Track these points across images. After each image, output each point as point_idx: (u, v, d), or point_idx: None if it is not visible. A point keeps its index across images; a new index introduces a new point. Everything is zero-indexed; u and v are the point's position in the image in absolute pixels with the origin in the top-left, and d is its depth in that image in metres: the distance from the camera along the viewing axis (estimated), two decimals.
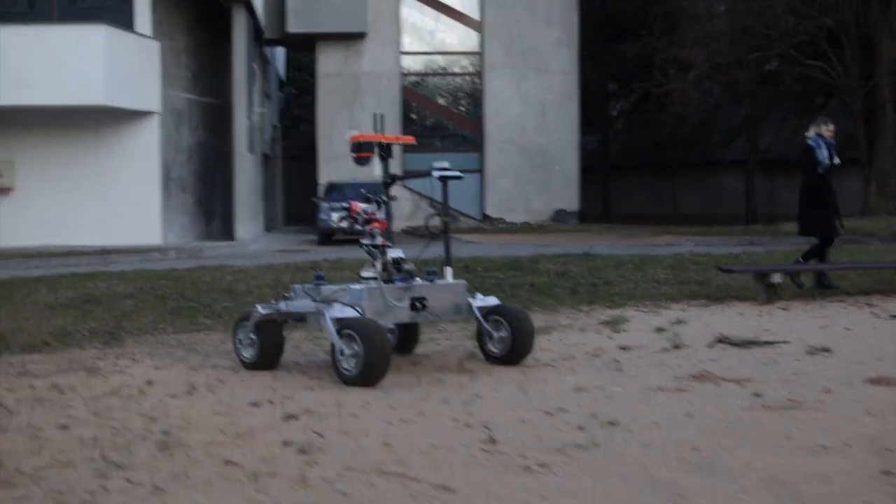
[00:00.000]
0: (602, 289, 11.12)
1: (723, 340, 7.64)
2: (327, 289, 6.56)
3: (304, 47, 38.18)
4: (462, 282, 7.00)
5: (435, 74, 35.21)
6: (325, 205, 25.26)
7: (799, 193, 11.56)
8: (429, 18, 34.44)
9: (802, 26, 28.03)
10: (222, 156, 26.70)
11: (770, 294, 10.28)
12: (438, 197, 7.23)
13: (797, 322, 8.85)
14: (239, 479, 4.09)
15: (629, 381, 6.16)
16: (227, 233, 25.86)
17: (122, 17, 23.19)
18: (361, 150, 7.00)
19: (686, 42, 30.38)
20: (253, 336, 6.78)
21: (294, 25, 32.37)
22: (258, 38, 31.21)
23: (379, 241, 6.73)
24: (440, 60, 35.11)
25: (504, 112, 33.79)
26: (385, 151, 7.10)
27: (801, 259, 11.56)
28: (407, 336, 7.34)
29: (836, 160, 11.19)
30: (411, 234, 25.63)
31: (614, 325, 8.63)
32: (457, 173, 7.15)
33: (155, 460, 4.41)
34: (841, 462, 4.27)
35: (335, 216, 7.01)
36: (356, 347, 5.99)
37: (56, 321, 9.07)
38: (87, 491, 3.94)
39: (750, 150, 36.35)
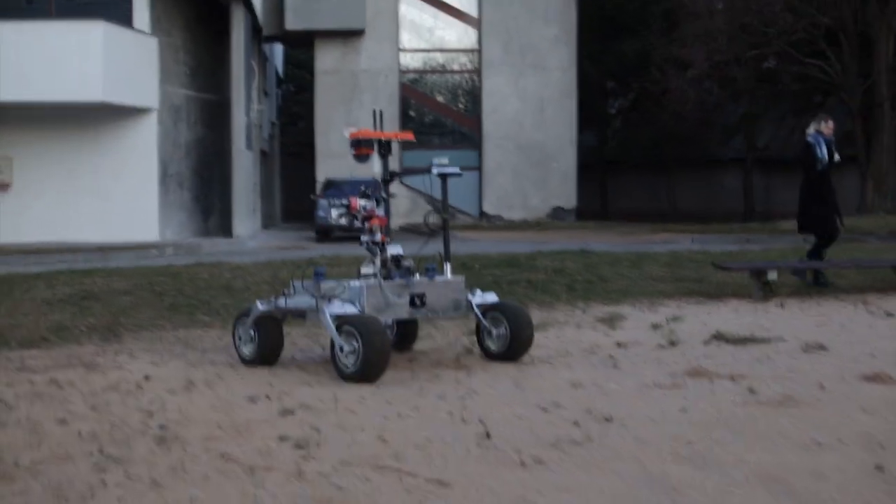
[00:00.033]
0: (599, 286, 11.15)
1: (718, 337, 7.68)
2: (327, 285, 6.58)
3: (302, 44, 38.16)
4: (461, 278, 7.01)
5: (433, 72, 35.21)
6: (322, 202, 25.30)
7: (799, 191, 11.58)
8: (427, 16, 34.44)
9: (800, 24, 28.07)
10: (220, 152, 26.70)
11: (766, 291, 10.32)
12: (437, 194, 7.25)
13: (793, 319, 8.89)
14: (236, 473, 4.12)
15: (625, 378, 6.19)
16: (225, 229, 25.87)
17: (120, 13, 23.18)
18: (361, 147, 7.02)
19: (685, 40, 30.41)
20: (252, 332, 6.81)
21: (292, 22, 32.36)
22: (256, 35, 31.20)
23: (378, 237, 6.75)
24: (438, 57, 35.11)
25: (502, 109, 33.80)
26: (384, 148, 7.12)
27: (805, 258, 11.55)
28: (405, 332, 7.36)
29: (837, 157, 11.22)
30: (409, 231, 25.67)
31: (610, 321, 8.67)
32: (456, 170, 7.17)
33: (153, 455, 4.44)
34: (834, 458, 4.30)
35: (334, 212, 7.01)
36: (355, 344, 6.01)
37: (54, 317, 9.10)
38: (85, 485, 3.97)
39: (748, 148, 36.40)
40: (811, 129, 11.36)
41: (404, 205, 30.85)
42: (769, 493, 3.82)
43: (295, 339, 7.83)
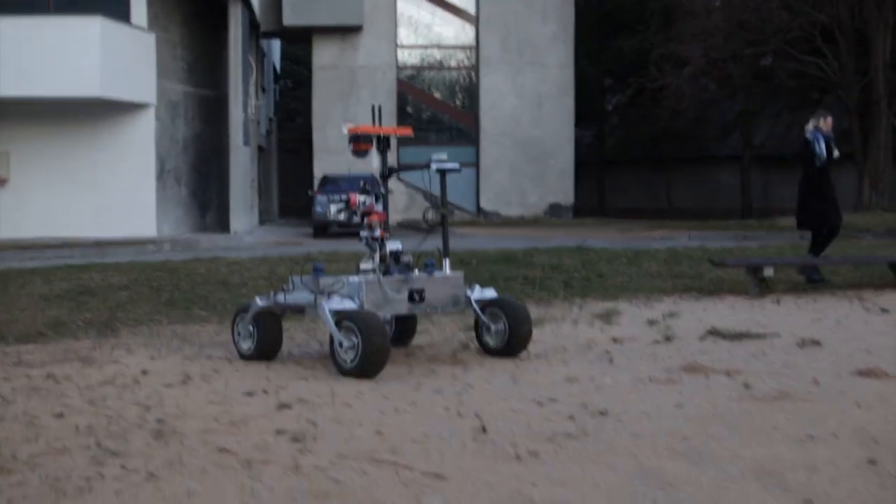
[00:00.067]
0: (595, 282, 11.17)
1: (714, 333, 7.70)
2: (326, 281, 6.58)
3: (300, 40, 38.17)
4: (460, 274, 7.03)
5: (431, 68, 35.21)
6: (320, 197, 25.31)
7: (798, 187, 11.58)
8: (425, 12, 34.44)
9: (797, 22, 28.11)
10: (217, 148, 26.71)
11: (762, 288, 10.34)
12: (433, 189, 7.26)
13: (788, 315, 8.91)
14: (233, 467, 4.14)
15: (620, 373, 6.22)
16: (222, 225, 25.88)
17: (117, 8, 23.15)
18: (359, 143, 7.03)
19: (682, 37, 30.42)
20: (251, 328, 6.81)
21: (290, 18, 32.35)
22: (254, 31, 31.20)
23: (378, 233, 6.76)
24: (436, 54, 35.12)
25: (499, 106, 33.82)
26: (383, 143, 7.13)
27: (810, 255, 11.56)
28: (404, 328, 7.37)
29: (836, 153, 11.23)
30: (406, 227, 25.69)
31: (607, 317, 8.69)
32: (455, 166, 7.18)
33: (150, 448, 4.46)
34: (827, 451, 4.33)
35: (333, 208, 7.01)
36: (355, 339, 6.01)
37: (51, 312, 9.13)
38: (82, 477, 3.99)
39: (745, 145, 36.45)
40: (810, 126, 11.37)
41: (402, 201, 30.87)
42: (763, 487, 3.84)
43: (292, 335, 7.84)
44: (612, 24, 38.31)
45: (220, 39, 26.21)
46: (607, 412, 5.06)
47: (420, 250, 7.02)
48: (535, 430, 4.72)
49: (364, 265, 6.71)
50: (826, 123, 11.32)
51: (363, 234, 6.77)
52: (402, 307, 6.61)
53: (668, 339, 7.55)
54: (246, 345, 6.85)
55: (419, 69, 35.08)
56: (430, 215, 7.31)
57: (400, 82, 34.22)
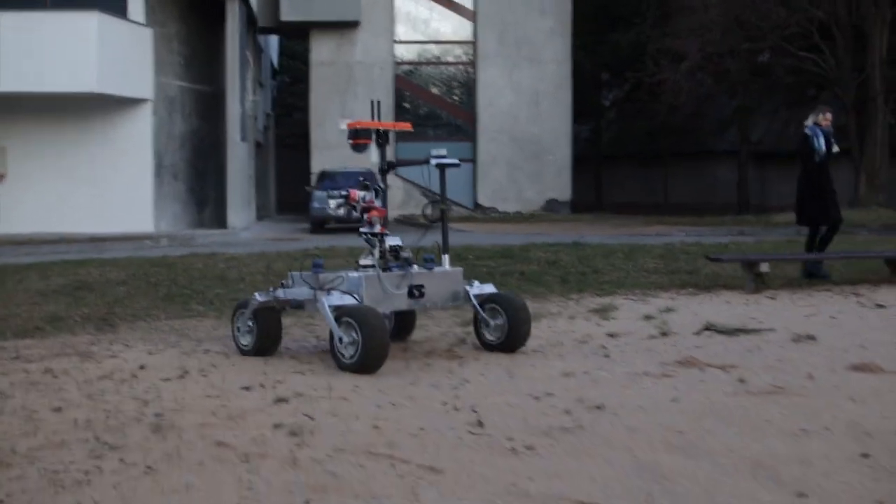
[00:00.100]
0: (592, 277, 11.20)
1: (709, 328, 7.73)
2: (325, 276, 6.59)
3: (297, 35, 38.17)
4: (459, 269, 7.04)
5: (428, 63, 35.22)
6: (318, 193, 25.32)
7: (797, 183, 11.59)
8: (422, 8, 34.45)
9: (794, 18, 28.12)
10: (215, 144, 26.71)
11: (758, 283, 10.37)
12: (432, 185, 7.26)
13: (784, 311, 8.94)
14: (230, 460, 4.17)
15: (616, 367, 6.24)
16: (220, 221, 25.88)
17: (114, 3, 23.14)
18: (359, 137, 7.04)
19: (679, 32, 30.43)
20: (251, 323, 6.82)
21: (288, 13, 32.35)
22: (251, 26, 31.18)
23: (377, 228, 6.77)
24: (433, 49, 35.13)
25: (497, 101, 33.84)
26: (382, 138, 7.14)
27: (817, 250, 11.58)
28: (403, 323, 7.39)
29: (835, 148, 11.26)
30: (403, 222, 25.71)
31: (603, 312, 8.72)
32: (454, 161, 7.19)
33: (148, 442, 4.48)
34: (821, 445, 4.36)
35: (333, 203, 6.99)
36: (354, 335, 6.03)
37: (48, 307, 9.15)
38: (81, 471, 4.01)
39: (742, 141, 36.47)
40: (809, 121, 11.39)
41: (399, 196, 30.90)
42: (757, 480, 3.88)
43: (289, 330, 7.86)
44: (608, 17, 38.30)
45: (218, 35, 26.19)
46: (603, 406, 5.09)
47: (419, 246, 7.04)
48: (532, 424, 4.75)
49: (364, 261, 6.72)
50: (825, 119, 11.35)
51: (363, 230, 6.78)
52: (402, 303, 6.62)
53: (663, 334, 7.58)
54: (245, 340, 6.86)
55: (417, 65, 35.08)
56: (430, 211, 7.32)
57: (397, 78, 34.23)
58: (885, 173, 28.44)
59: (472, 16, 34.11)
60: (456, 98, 35.45)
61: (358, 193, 6.86)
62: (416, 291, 6.60)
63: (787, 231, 20.53)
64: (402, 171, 30.26)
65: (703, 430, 4.61)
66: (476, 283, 7.04)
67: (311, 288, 6.55)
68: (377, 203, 6.88)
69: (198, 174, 26.70)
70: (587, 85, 39.65)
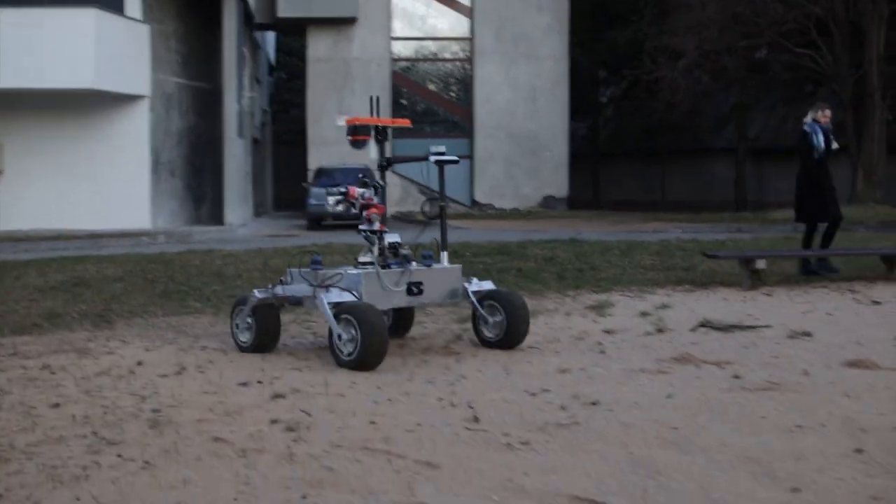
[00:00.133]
0: (588, 274, 11.22)
1: (705, 324, 7.75)
2: (324, 273, 6.60)
3: (294, 32, 38.14)
4: (458, 266, 7.06)
5: (425, 60, 35.21)
6: (315, 189, 25.33)
7: (796, 180, 11.60)
8: (419, 4, 34.43)
9: (791, 14, 28.12)
10: (212, 140, 26.70)
11: (754, 280, 10.39)
12: (431, 182, 7.26)
13: (780, 307, 8.96)
14: (228, 455, 4.19)
15: (612, 364, 6.27)
16: (217, 217, 25.89)
17: (112, 0, 23.14)
18: (358, 134, 7.04)
19: (676, 30, 30.43)
20: (250, 320, 6.83)
21: (285, 10, 32.32)
22: (249, 23, 31.18)
23: (377, 226, 6.78)
24: (431, 46, 35.11)
25: (494, 98, 33.84)
26: (381, 135, 7.15)
27: (820, 247, 11.60)
28: (401, 319, 7.40)
29: (835, 145, 11.28)
30: (400, 219, 25.72)
31: (600, 309, 8.74)
32: (453, 158, 7.20)
33: (146, 437, 4.50)
34: (815, 441, 4.38)
35: (332, 200, 6.99)
36: (353, 332, 6.04)
37: (46, 304, 9.16)
38: (79, 466, 4.04)
39: (739, 138, 36.50)
40: (808, 118, 11.40)
41: (395, 193, 30.90)
42: (751, 475, 3.90)
43: (286, 326, 7.87)
44: (606, 14, 38.30)
45: (215, 31, 26.18)
46: (598, 402, 5.12)
47: (418, 242, 7.05)
48: (527, 420, 4.77)
49: (363, 258, 6.73)
50: (824, 116, 11.36)
51: (362, 227, 6.79)
52: (401, 300, 6.63)
53: (659, 330, 7.61)
54: (244, 337, 6.87)
55: (414, 61, 35.07)
56: (429, 208, 7.32)
57: (394, 74, 34.22)
58: (882, 170, 28.46)
59: (469, 12, 34.10)
60: (453, 94, 35.45)
61: (357, 190, 6.86)
62: (414, 288, 6.61)
63: (784, 228, 20.54)
64: (399, 167, 30.25)
65: (697, 426, 4.64)
66: (475, 280, 7.06)
67: (311, 285, 6.56)
68: (376, 200, 6.89)
69: (195, 171, 26.70)
70: (584, 82, 39.67)
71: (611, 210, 34.71)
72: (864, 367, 6.04)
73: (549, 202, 33.75)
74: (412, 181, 31.27)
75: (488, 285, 7.06)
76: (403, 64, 34.77)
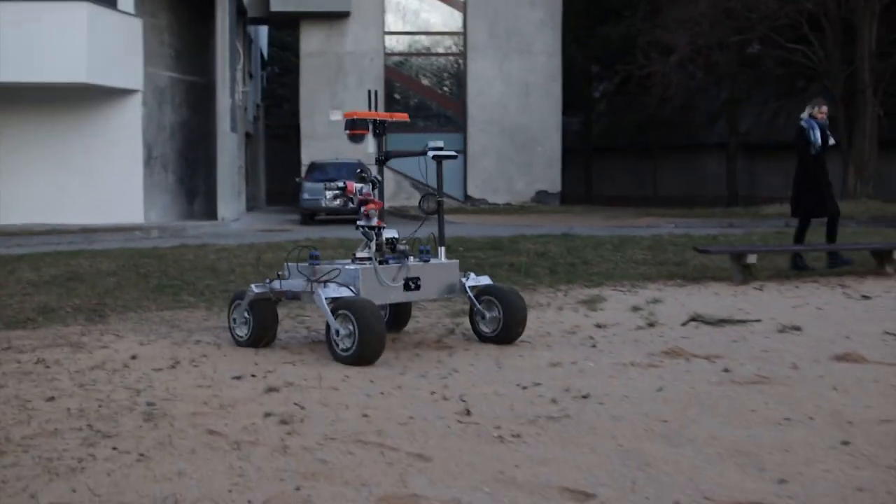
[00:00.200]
0: (580, 269, 11.27)
1: (696, 319, 7.81)
2: (322, 268, 6.61)
3: (287, 26, 38.13)
4: (455, 262, 7.09)
5: (418, 55, 35.22)
6: (308, 184, 25.36)
7: (794, 175, 11.66)
8: None
9: (784, 10, 28.19)
10: (205, 134, 26.70)
11: (745, 274, 10.45)
12: (428, 177, 7.28)
13: (771, 302, 9.03)
14: (222, 448, 4.22)
15: (603, 357, 6.32)
16: (210, 212, 25.89)
17: None
18: (356, 128, 7.07)
19: (669, 25, 30.48)
20: (247, 315, 6.84)
21: (278, 4, 32.32)
22: (241, 17, 31.15)
23: (374, 221, 6.80)
24: (424, 40, 35.13)
25: (487, 93, 33.87)
26: (379, 129, 7.18)
27: (826, 243, 11.65)
28: (398, 314, 7.43)
29: (831, 141, 11.36)
30: (394, 214, 25.75)
31: (591, 303, 8.79)
32: (452, 153, 7.23)
33: (140, 430, 4.54)
34: (803, 433, 4.43)
35: (329, 195, 6.99)
36: (351, 327, 6.06)
37: (40, 298, 9.18)
38: (74, 458, 4.07)
39: (731, 133, 36.57)
40: (805, 114, 11.48)
41: (389, 188, 30.91)
42: (739, 467, 3.95)
43: (280, 321, 7.90)
44: (599, 10, 38.34)
45: (208, 26, 26.17)
46: (589, 395, 5.16)
47: (414, 238, 7.08)
48: (519, 413, 4.81)
49: (361, 253, 6.76)
50: (821, 112, 11.44)
51: (360, 222, 6.81)
52: (398, 295, 6.66)
53: (651, 324, 7.66)
54: (241, 331, 6.88)
55: (407, 56, 35.08)
56: (426, 203, 7.35)
57: (387, 69, 34.23)
58: (873, 165, 28.56)
59: (462, 7, 34.12)
60: (446, 89, 35.47)
61: (355, 185, 6.88)
62: (412, 284, 6.64)
63: (776, 222, 20.63)
64: (391, 162, 30.26)
65: (687, 419, 4.69)
66: (472, 275, 7.09)
67: (308, 280, 6.59)
68: (374, 195, 6.91)
69: (188, 165, 26.70)
70: (577, 77, 39.70)
71: (603, 205, 34.78)
72: (852, 361, 6.10)
73: (541, 197, 33.81)
74: (405, 176, 31.31)
75: (485, 280, 7.09)
76: (396, 58, 34.78)
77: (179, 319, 8.16)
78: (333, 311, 6.17)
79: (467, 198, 33.64)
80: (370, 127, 7.10)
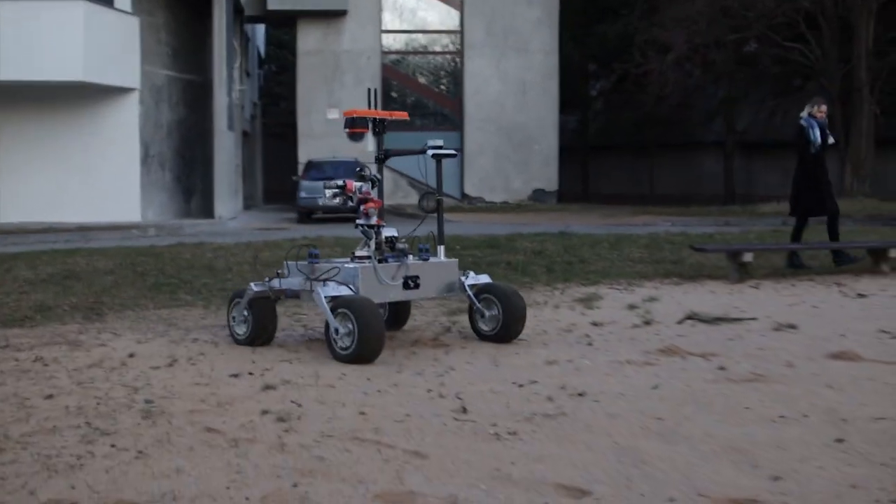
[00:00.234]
0: (577, 267, 11.29)
1: (692, 317, 7.83)
2: (321, 267, 6.62)
3: (284, 24, 38.08)
4: (454, 260, 7.10)
5: (415, 53, 35.20)
6: (304, 183, 25.38)
7: (794, 174, 11.68)
8: None
9: (781, 8, 28.21)
10: (202, 133, 26.69)
11: (742, 273, 10.48)
12: (427, 175, 7.29)
13: (767, 300, 9.05)
14: (220, 445, 4.25)
15: (599, 356, 6.34)
16: (207, 210, 25.89)
17: None
18: (356, 126, 7.08)
19: (666, 23, 30.49)
20: (246, 313, 6.86)
21: (275, 2, 32.28)
22: (238, 15, 31.13)
23: (374, 220, 6.81)
24: (420, 39, 35.11)
25: (484, 91, 33.86)
26: (379, 127, 7.19)
27: (830, 242, 11.68)
28: (397, 313, 7.44)
29: (831, 139, 11.39)
30: (391, 212, 25.75)
31: (588, 302, 8.81)
32: (451, 151, 7.24)
33: (139, 427, 4.56)
34: (798, 431, 4.46)
35: (328, 193, 6.99)
36: (350, 326, 6.07)
37: (37, 296, 9.19)
38: (73, 455, 4.09)
39: (728, 132, 36.60)
40: (804, 113, 11.51)
41: (386, 186, 30.66)
42: (734, 464, 3.97)
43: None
44: (596, 8, 38.33)
45: (205, 24, 26.15)
46: (585, 393, 5.19)
47: (413, 236, 7.09)
48: (515, 411, 4.84)
49: (360, 252, 6.77)
50: (820, 111, 11.47)
51: (360, 221, 6.81)
52: (397, 294, 6.67)
53: (647, 322, 7.68)
54: (241, 330, 6.89)
55: (404, 54, 35.07)
56: (426, 202, 7.36)
57: (384, 67, 34.21)
58: (870, 164, 28.60)
59: (459, 5, 34.10)
60: (443, 87, 35.46)
61: (355, 184, 6.89)
62: (411, 282, 6.66)
63: (773, 221, 20.66)
64: (389, 161, 30.26)
65: (682, 417, 4.71)
66: (471, 273, 7.10)
67: (307, 278, 6.60)
68: (373, 194, 6.92)
69: (185, 163, 26.69)
70: (574, 75, 39.71)
71: (600, 203, 34.77)
72: (847, 359, 6.13)
73: (538, 195, 33.81)
74: (402, 174, 31.31)
75: (484, 279, 7.11)
76: (393, 57, 34.76)
77: (177, 318, 8.18)
78: (333, 310, 6.19)
79: (464, 196, 33.64)
80: (370, 125, 7.11)
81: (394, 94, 34.51)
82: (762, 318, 7.85)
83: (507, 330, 6.83)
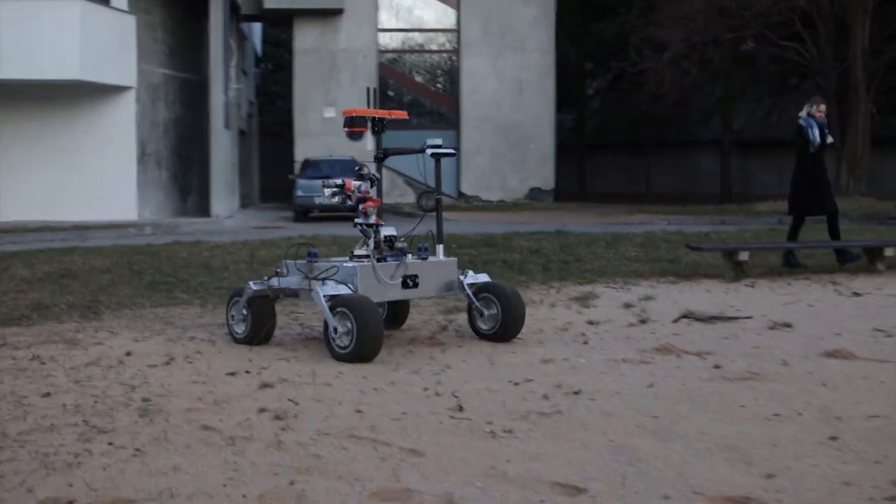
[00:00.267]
0: (573, 266, 11.32)
1: (688, 316, 7.86)
2: (320, 266, 6.63)
3: (281, 23, 38.07)
4: (453, 259, 7.11)
5: (412, 51, 35.22)
6: (301, 181, 25.39)
7: (792, 173, 11.72)
8: None
9: (777, 7, 28.26)
10: (198, 131, 26.69)
11: (737, 272, 10.50)
12: (426, 175, 7.30)
13: (762, 299, 9.08)
14: (217, 443, 4.26)
15: (595, 354, 6.36)
16: (203, 209, 25.89)
17: None
18: (355, 125, 7.09)
19: (663, 22, 30.52)
20: (245, 312, 6.86)
21: (271, 1, 32.26)
22: (235, 14, 31.12)
23: (373, 219, 6.82)
24: (417, 37, 35.13)
25: (480, 90, 33.88)
26: (378, 126, 7.20)
27: (831, 240, 11.72)
28: (396, 312, 7.45)
29: (829, 139, 11.43)
30: (387, 210, 25.76)
31: (584, 300, 8.83)
32: (450, 150, 7.25)
33: (136, 425, 4.57)
34: (792, 429, 4.48)
35: (327, 192, 7.00)
36: (349, 325, 6.08)
37: (34, 295, 9.20)
38: (71, 453, 4.11)
39: (724, 130, 36.64)
40: (803, 113, 11.54)
41: (383, 185, 30.86)
42: (728, 461, 3.99)
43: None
44: (593, 7, 38.35)
45: (202, 23, 26.16)
46: (581, 392, 5.21)
47: (412, 235, 7.11)
48: (511, 409, 4.86)
49: (359, 251, 6.78)
50: (819, 110, 11.50)
51: (358, 220, 6.83)
52: (396, 293, 6.67)
53: (642, 321, 7.70)
54: (240, 328, 6.90)
55: (400, 53, 35.08)
56: (425, 201, 7.36)
57: (381, 66, 34.22)
58: (866, 163, 28.66)
59: (455, 4, 34.11)
60: (439, 86, 35.48)
61: (354, 183, 6.90)
62: (410, 281, 6.67)
63: (769, 220, 20.71)
64: (388, 160, 30.29)
65: (677, 415, 4.73)
66: (470, 272, 7.11)
67: (306, 277, 6.61)
68: (372, 193, 6.93)
69: (181, 162, 26.69)
70: (571, 74, 39.71)
71: (597, 202, 34.83)
72: (842, 358, 6.15)
73: (535, 194, 33.84)
74: (398, 173, 31.31)
75: (483, 278, 7.12)
76: (390, 55, 34.77)
77: (173, 316, 8.19)
78: (331, 309, 6.20)
79: (461, 195, 33.65)
80: (369, 125, 7.13)
81: (390, 93, 34.53)
82: (758, 316, 7.87)
83: (506, 329, 6.84)
